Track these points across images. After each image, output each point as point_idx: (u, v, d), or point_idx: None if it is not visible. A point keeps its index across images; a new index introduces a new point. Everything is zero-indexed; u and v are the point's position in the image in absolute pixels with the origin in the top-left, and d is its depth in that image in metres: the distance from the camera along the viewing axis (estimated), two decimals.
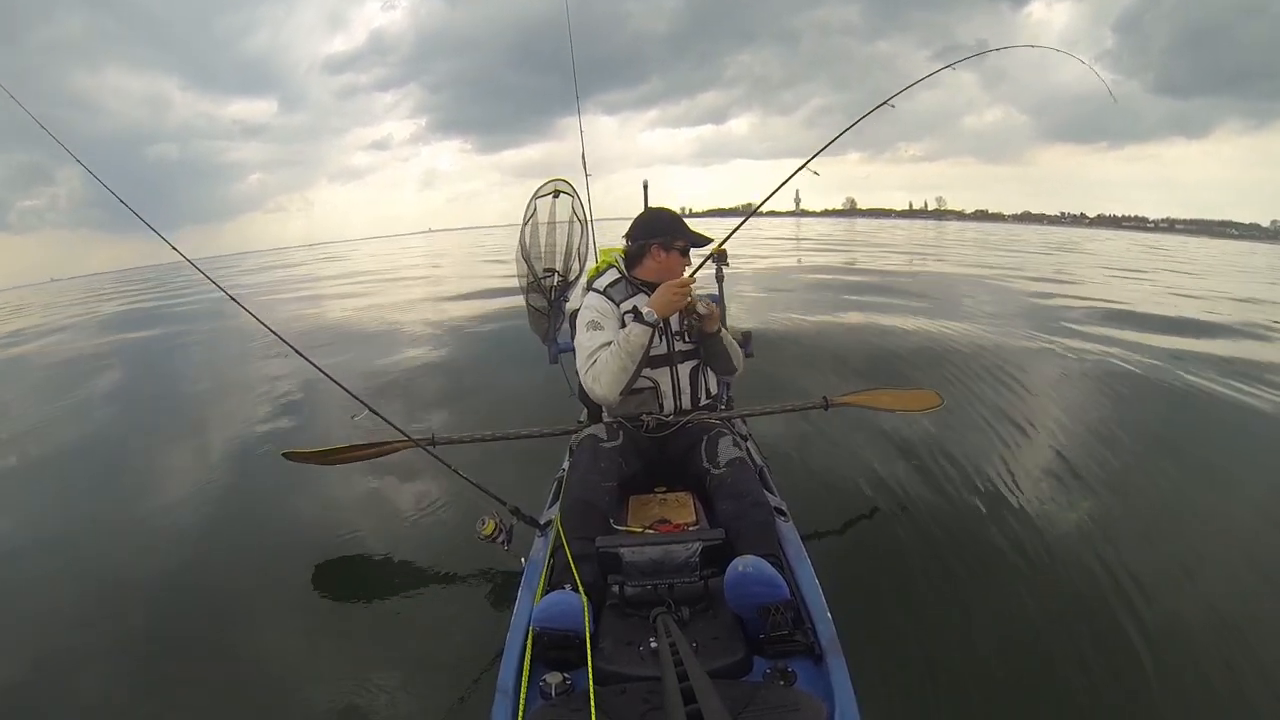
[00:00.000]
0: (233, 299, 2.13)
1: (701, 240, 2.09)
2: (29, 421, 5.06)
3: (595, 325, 1.96)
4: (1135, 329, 6.17)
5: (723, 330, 2.09)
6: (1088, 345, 5.32)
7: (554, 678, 1.17)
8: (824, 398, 2.40)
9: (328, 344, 6.53)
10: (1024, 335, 5.76)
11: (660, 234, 2.02)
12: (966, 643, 1.74)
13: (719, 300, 2.66)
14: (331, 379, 1.96)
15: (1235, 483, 2.80)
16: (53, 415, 5.24)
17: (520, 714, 1.10)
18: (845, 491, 2.66)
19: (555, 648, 1.23)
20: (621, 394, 1.90)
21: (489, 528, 1.65)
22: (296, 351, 2.01)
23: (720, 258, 2.68)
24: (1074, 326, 6.23)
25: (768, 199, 2.34)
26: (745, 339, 2.76)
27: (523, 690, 1.16)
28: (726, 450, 1.78)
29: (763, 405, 2.52)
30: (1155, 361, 4.81)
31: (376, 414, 1.92)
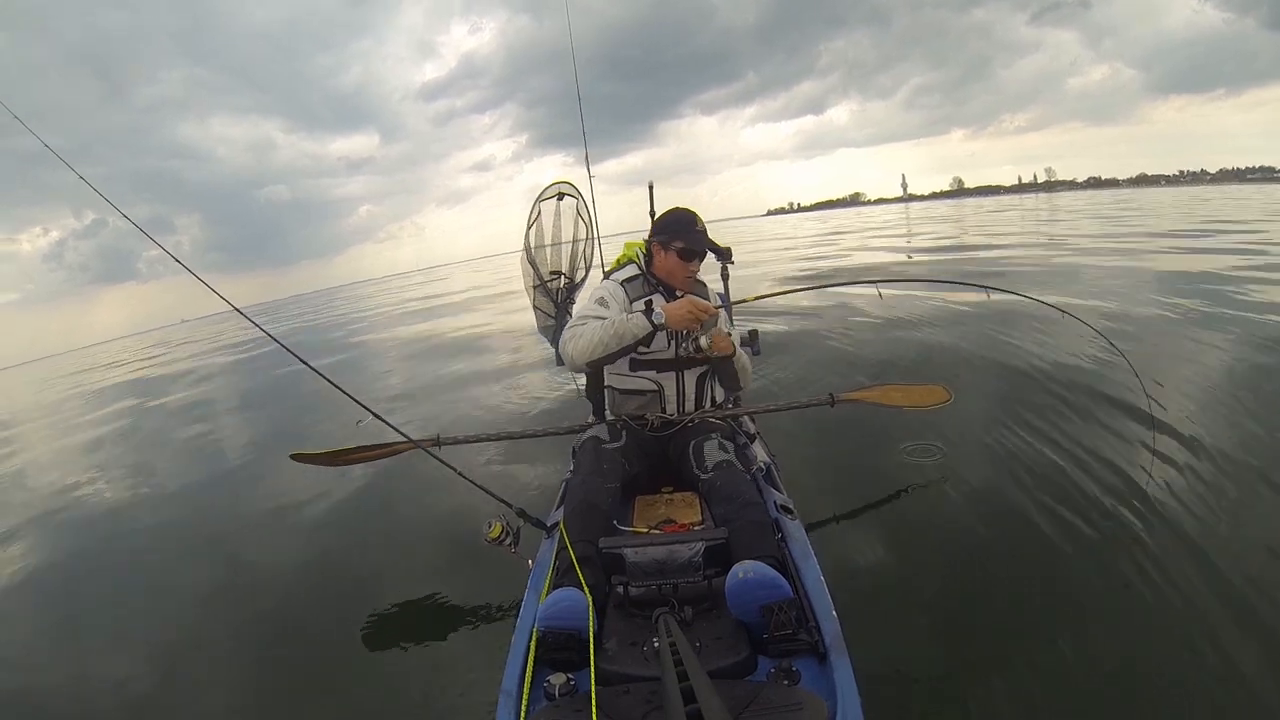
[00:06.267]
0: (268, 334, 2.10)
1: (712, 247, 2.05)
2: None
3: (602, 302, 1.97)
4: None
5: (738, 352, 2.06)
6: None
7: (557, 679, 1.17)
8: (830, 394, 2.38)
9: None
10: None
11: (660, 233, 2.03)
12: (972, 642, 1.71)
13: (725, 298, 2.66)
14: (335, 385, 1.97)
15: None
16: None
17: (523, 715, 1.10)
18: (852, 488, 2.64)
19: (559, 649, 1.23)
20: (587, 365, 1.89)
21: (495, 530, 1.66)
22: (302, 361, 2.02)
23: (725, 256, 2.68)
24: None
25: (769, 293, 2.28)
26: (751, 338, 2.76)
27: (526, 691, 1.17)
28: (713, 454, 1.77)
29: (768, 403, 2.51)
30: None
31: (380, 418, 1.93)
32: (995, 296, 2.86)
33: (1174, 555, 2.01)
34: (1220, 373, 3.60)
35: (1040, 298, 2.98)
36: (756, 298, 2.30)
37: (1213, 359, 3.83)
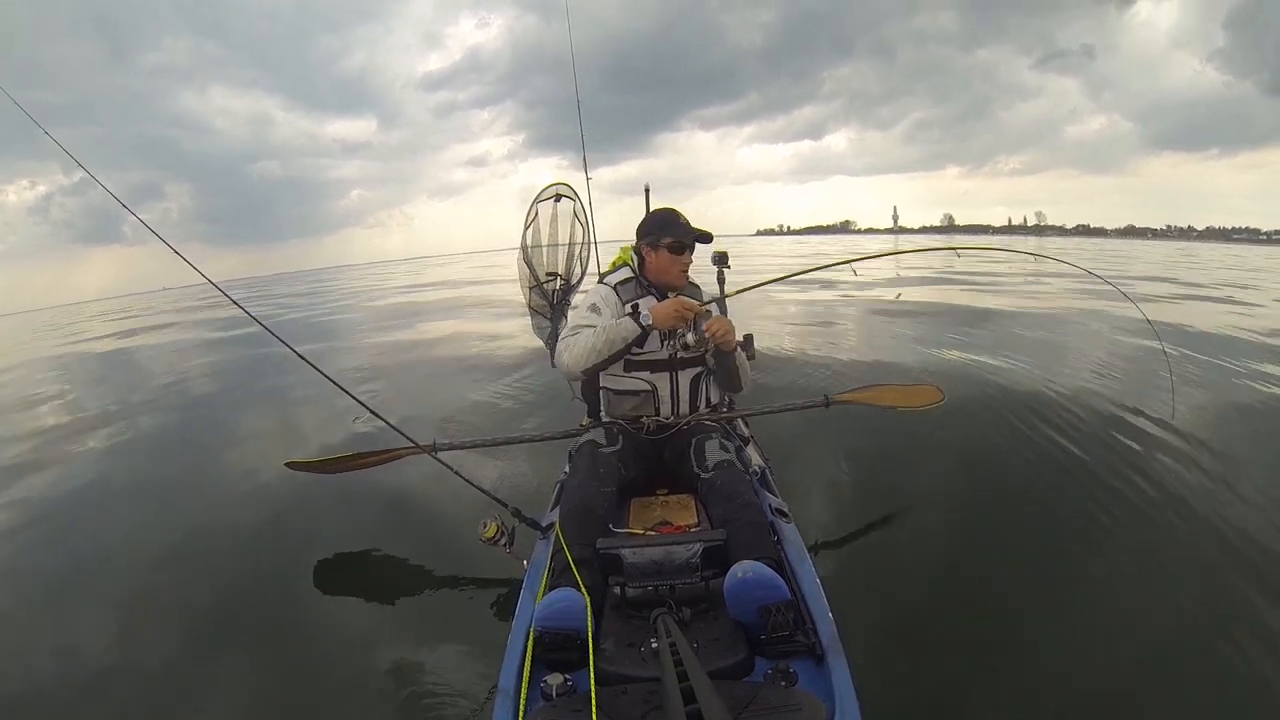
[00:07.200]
0: (248, 313, 2.10)
1: (701, 236, 2.05)
2: None
3: (595, 309, 1.99)
4: None
5: (738, 350, 2.08)
6: None
7: (555, 679, 1.17)
8: (825, 396, 2.40)
9: None
10: None
11: (647, 234, 2.03)
12: (970, 643, 1.73)
13: (721, 302, 2.67)
14: (336, 384, 1.96)
15: None
16: None
17: (521, 715, 1.10)
18: (847, 491, 2.65)
19: (556, 649, 1.23)
20: (583, 373, 1.93)
21: (490, 530, 1.65)
22: (301, 357, 2.02)
23: (721, 260, 2.69)
24: None
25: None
26: (746, 341, 2.77)
27: (523, 691, 1.17)
28: (714, 453, 1.78)
29: (763, 405, 2.52)
30: None
31: (380, 418, 1.92)
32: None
33: (1177, 548, 2.02)
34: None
35: (1014, 248, 3.02)
36: (739, 290, 2.32)
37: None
